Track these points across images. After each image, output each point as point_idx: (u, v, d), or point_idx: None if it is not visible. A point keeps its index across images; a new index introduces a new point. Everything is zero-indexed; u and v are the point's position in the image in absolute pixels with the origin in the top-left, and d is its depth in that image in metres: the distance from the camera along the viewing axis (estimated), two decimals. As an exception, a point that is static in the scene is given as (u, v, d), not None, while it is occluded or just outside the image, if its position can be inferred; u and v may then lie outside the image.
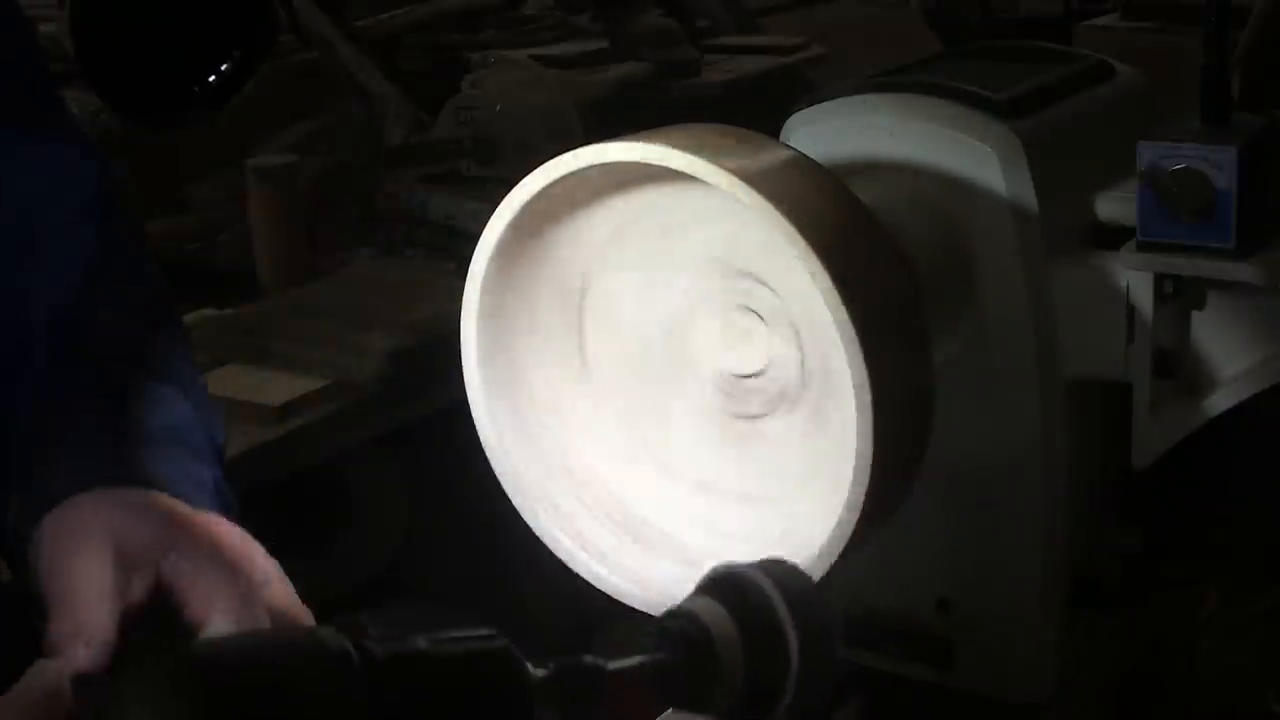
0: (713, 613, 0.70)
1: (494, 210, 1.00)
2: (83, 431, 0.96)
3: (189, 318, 2.35)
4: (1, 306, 1.04)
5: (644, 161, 0.95)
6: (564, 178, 0.97)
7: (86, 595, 0.84)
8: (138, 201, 2.49)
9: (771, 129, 1.20)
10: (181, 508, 0.91)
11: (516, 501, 1.06)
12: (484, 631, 0.66)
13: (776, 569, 0.71)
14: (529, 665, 0.65)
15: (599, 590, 1.05)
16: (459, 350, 1.04)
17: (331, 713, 0.61)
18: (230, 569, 0.87)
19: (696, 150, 0.94)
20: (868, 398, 0.92)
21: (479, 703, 0.63)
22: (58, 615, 0.84)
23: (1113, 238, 1.20)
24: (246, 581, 0.87)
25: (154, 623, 0.86)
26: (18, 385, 1.01)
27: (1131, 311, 1.18)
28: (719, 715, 0.71)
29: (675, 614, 0.70)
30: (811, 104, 1.27)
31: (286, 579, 0.91)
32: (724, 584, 0.71)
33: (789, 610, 0.69)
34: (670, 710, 1.33)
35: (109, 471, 0.93)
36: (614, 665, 0.68)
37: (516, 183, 0.99)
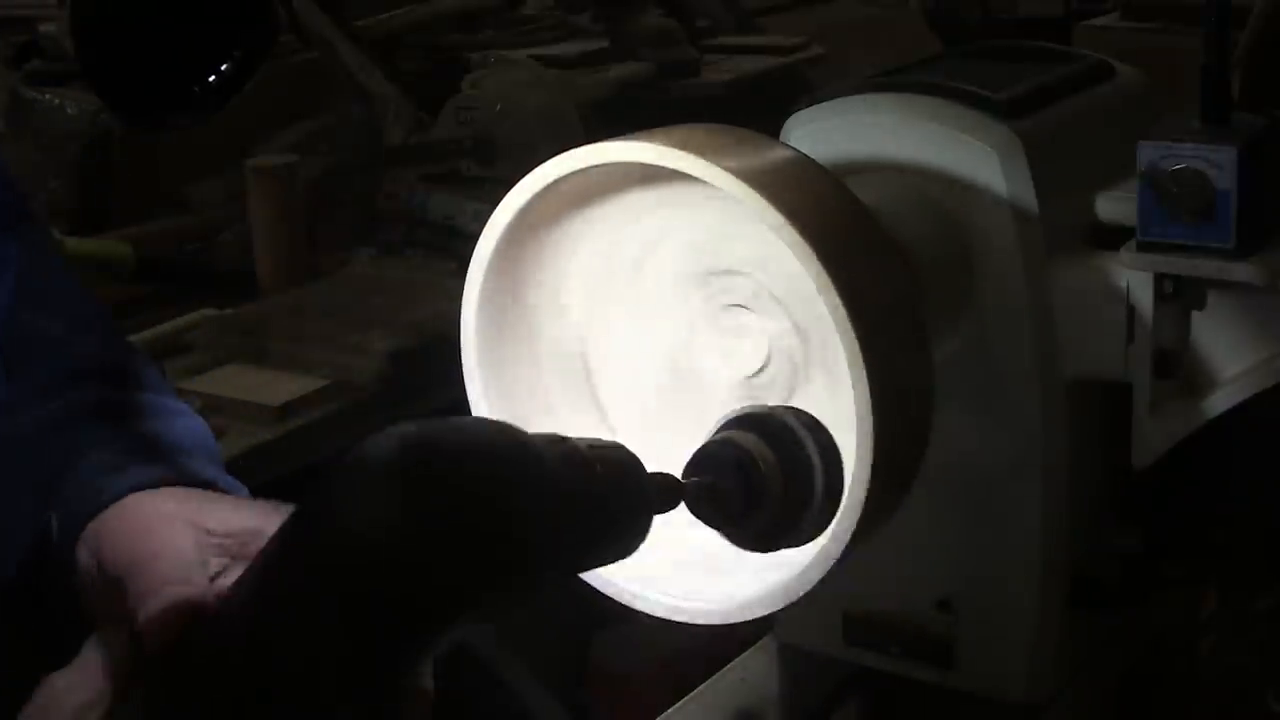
0: (746, 439, 0.76)
1: (494, 210, 1.00)
2: (113, 441, 0.95)
3: (189, 318, 2.35)
4: None
5: (644, 161, 0.95)
6: (564, 178, 0.97)
7: (173, 560, 0.81)
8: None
9: (771, 129, 1.20)
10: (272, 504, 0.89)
11: None
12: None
13: (782, 407, 0.78)
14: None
15: (598, 590, 1.05)
16: (459, 350, 1.04)
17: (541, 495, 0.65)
18: None
19: (696, 150, 0.94)
20: (868, 398, 0.92)
21: (621, 497, 0.70)
22: (139, 576, 0.81)
23: (1113, 238, 1.20)
24: None
25: None
26: None
27: (1131, 311, 1.18)
28: (753, 534, 0.78)
29: (714, 444, 0.77)
30: (811, 104, 1.27)
31: None
32: (745, 419, 0.78)
33: (807, 431, 0.77)
34: (670, 710, 1.33)
35: (166, 475, 0.92)
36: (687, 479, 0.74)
37: (516, 183, 0.99)
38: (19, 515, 0.94)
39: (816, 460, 0.78)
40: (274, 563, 0.67)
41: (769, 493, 0.77)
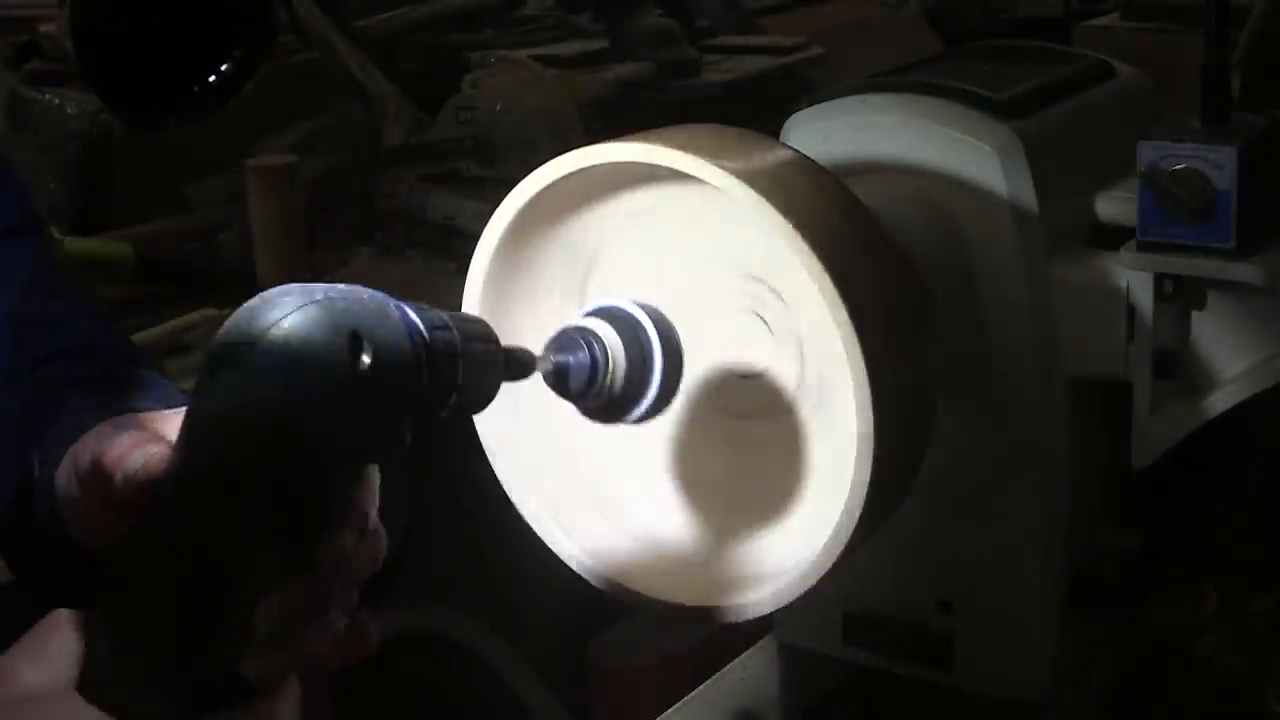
0: (595, 324, 0.87)
1: (494, 210, 1.00)
2: (100, 395, 0.95)
3: (189, 318, 2.35)
4: None
5: (645, 161, 0.95)
6: (564, 178, 0.97)
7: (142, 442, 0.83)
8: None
9: (771, 129, 1.20)
10: None
11: (515, 499, 1.06)
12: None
13: (643, 304, 0.88)
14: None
15: (598, 590, 1.05)
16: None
17: None
18: None
19: (696, 150, 0.94)
20: (868, 398, 0.92)
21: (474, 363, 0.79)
22: (110, 450, 0.82)
23: (1113, 238, 1.20)
24: None
25: None
26: None
27: (1131, 311, 1.18)
28: (599, 407, 0.88)
29: (569, 328, 0.87)
30: (811, 104, 1.27)
31: None
32: (602, 311, 0.88)
33: (653, 324, 0.87)
34: (670, 710, 1.33)
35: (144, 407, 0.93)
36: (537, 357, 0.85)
37: (516, 183, 0.99)
38: (4, 475, 0.95)
39: (655, 341, 0.87)
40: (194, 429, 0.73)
41: (612, 369, 0.87)
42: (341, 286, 0.74)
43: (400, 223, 2.63)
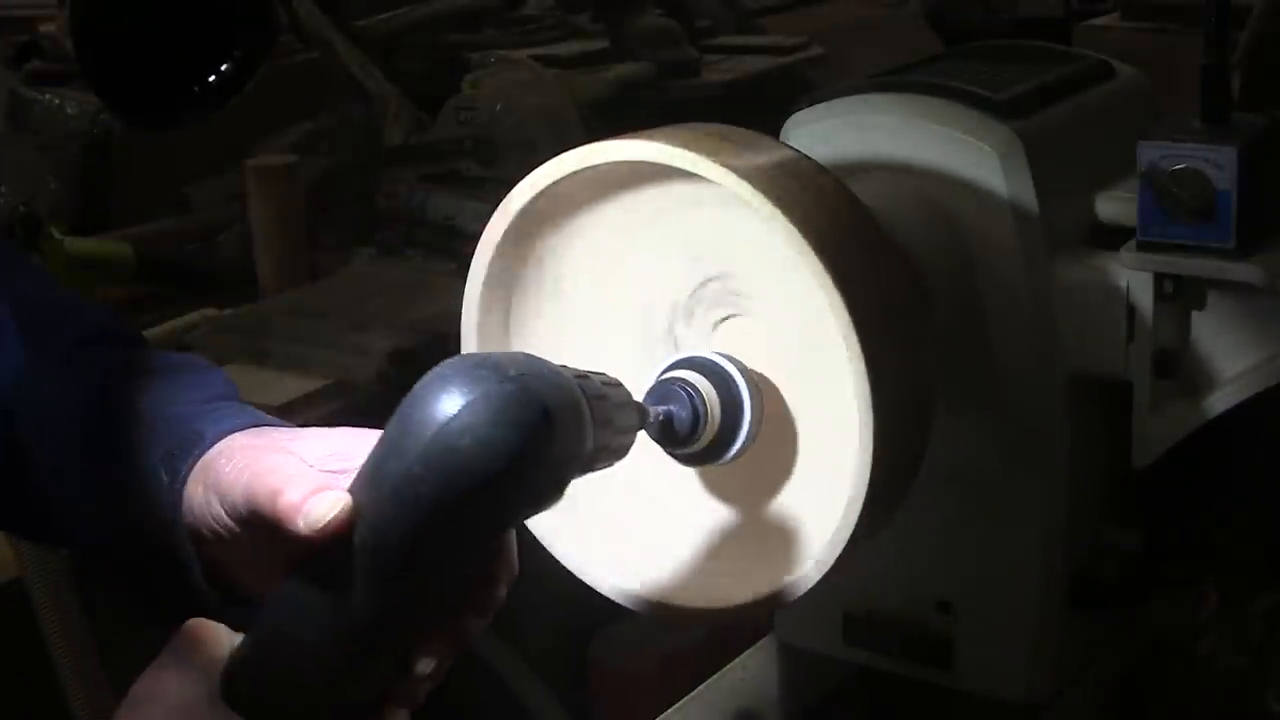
0: (694, 378, 0.94)
1: (494, 210, 1.00)
2: (178, 391, 0.96)
3: (189, 318, 2.35)
4: None
5: (645, 161, 0.95)
6: (565, 177, 0.97)
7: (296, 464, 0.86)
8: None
9: (771, 129, 1.20)
10: None
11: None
12: None
13: (727, 355, 0.96)
14: None
15: (598, 591, 1.05)
16: (459, 349, 1.04)
17: None
18: None
19: (697, 149, 0.94)
20: (868, 398, 0.92)
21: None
22: (267, 479, 0.84)
23: (1113, 238, 1.20)
24: None
25: None
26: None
27: (1131, 311, 1.18)
28: (696, 454, 0.95)
29: (669, 380, 0.94)
30: (811, 104, 1.27)
31: None
32: (683, 362, 0.95)
33: (737, 369, 0.95)
34: (670, 710, 1.33)
35: (251, 419, 0.95)
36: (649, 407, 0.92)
37: (516, 183, 0.99)
38: (84, 480, 0.95)
39: (745, 393, 0.95)
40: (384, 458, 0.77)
41: (710, 419, 0.94)
42: (519, 358, 0.78)
43: (400, 223, 2.63)
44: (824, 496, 0.98)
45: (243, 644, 0.80)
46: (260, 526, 0.84)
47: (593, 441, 0.80)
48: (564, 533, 1.04)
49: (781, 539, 1.02)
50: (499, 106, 2.71)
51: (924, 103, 1.22)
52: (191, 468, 0.91)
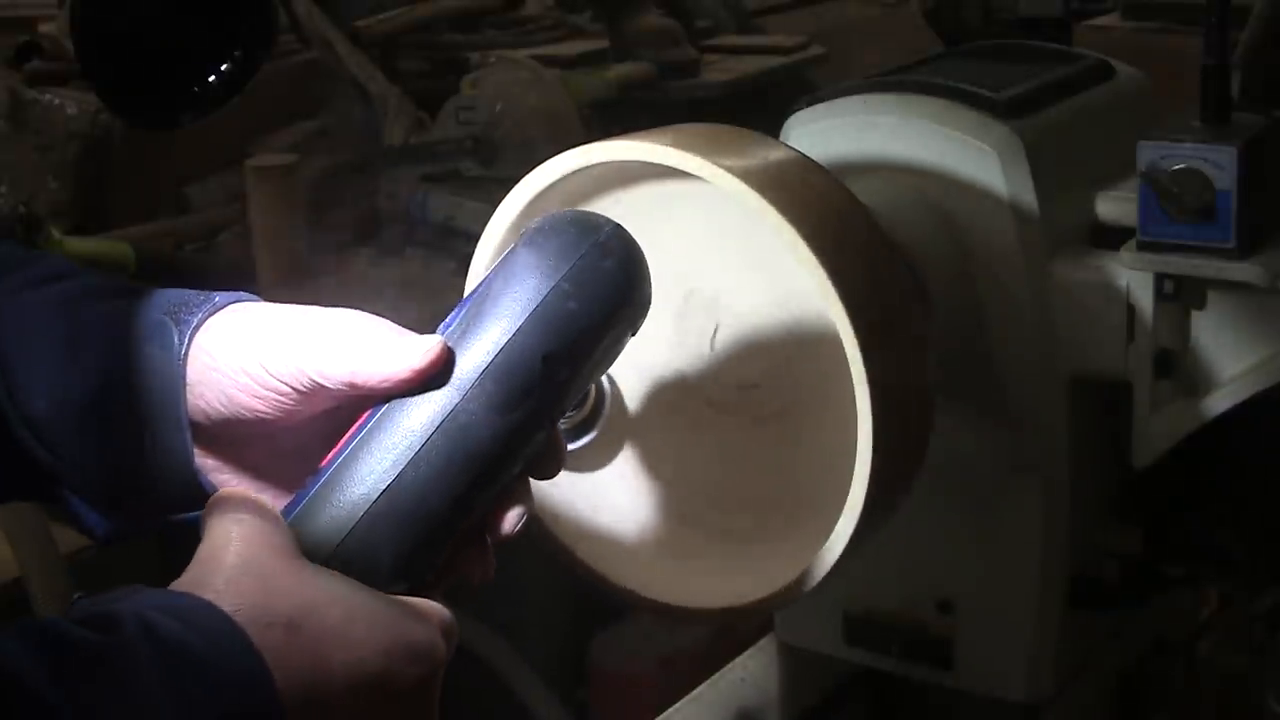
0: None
1: (494, 210, 1.00)
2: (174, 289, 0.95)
3: (189, 318, 2.35)
4: None
5: (646, 160, 0.95)
6: (565, 177, 0.97)
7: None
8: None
9: (771, 129, 1.20)
10: None
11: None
12: None
13: None
14: None
15: (598, 590, 1.05)
16: (459, 350, 1.04)
17: None
18: None
19: (697, 150, 0.94)
20: (868, 398, 0.92)
21: None
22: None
23: (1113, 238, 1.20)
24: None
25: None
26: None
27: (1131, 311, 1.18)
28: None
29: None
30: (811, 104, 1.27)
31: None
32: None
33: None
34: (670, 710, 1.33)
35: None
36: None
37: (516, 183, 0.99)
38: (82, 367, 0.91)
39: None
40: None
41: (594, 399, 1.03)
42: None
43: (400, 223, 2.63)
44: (825, 497, 0.98)
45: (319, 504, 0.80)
46: (321, 384, 0.86)
47: None
48: (585, 537, 1.04)
49: (783, 540, 1.02)
50: (499, 106, 2.71)
51: (924, 103, 1.22)
52: (204, 321, 0.89)
